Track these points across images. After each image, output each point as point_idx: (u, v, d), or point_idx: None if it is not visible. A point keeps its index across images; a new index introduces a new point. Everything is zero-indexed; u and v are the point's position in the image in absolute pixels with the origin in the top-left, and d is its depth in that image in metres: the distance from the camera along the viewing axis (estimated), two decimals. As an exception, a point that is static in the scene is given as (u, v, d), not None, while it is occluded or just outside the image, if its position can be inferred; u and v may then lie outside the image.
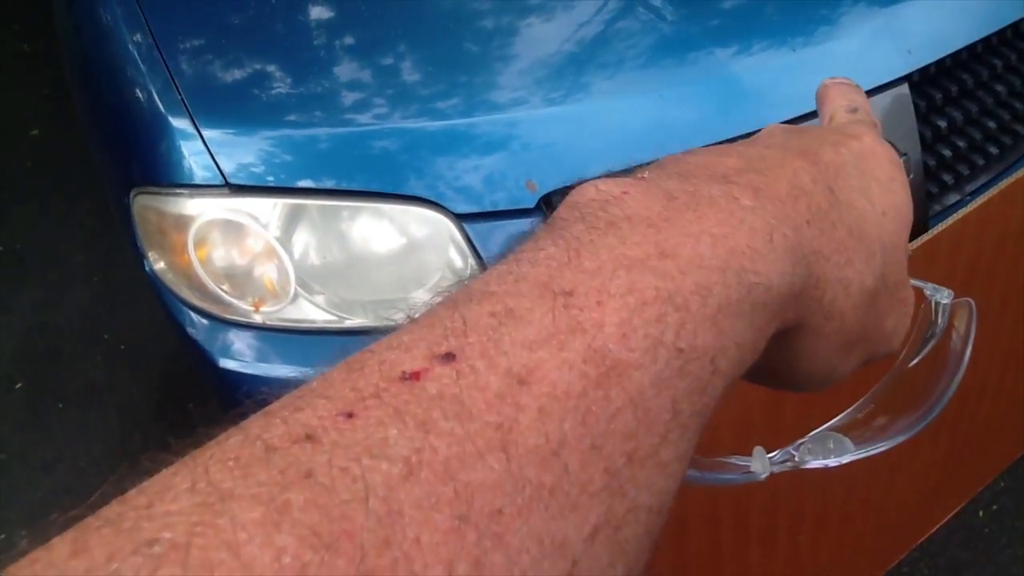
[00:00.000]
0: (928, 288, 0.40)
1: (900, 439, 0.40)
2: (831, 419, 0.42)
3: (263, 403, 0.22)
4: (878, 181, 0.34)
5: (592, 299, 0.24)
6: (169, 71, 1.16)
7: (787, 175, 0.31)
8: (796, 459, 0.40)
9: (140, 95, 1.18)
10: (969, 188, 1.22)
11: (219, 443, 0.20)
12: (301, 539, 0.18)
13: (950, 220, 0.98)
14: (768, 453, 0.40)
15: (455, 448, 0.20)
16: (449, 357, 0.22)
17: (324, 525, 0.18)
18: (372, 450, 0.20)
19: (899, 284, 0.35)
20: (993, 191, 1.02)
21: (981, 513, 1.65)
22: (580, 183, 0.29)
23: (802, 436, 0.41)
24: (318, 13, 1.28)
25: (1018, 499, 1.65)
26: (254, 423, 0.21)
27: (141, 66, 1.19)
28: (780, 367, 0.33)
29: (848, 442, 0.40)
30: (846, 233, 0.31)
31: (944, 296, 0.40)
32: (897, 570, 1.50)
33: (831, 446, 0.40)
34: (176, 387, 1.99)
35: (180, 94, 1.13)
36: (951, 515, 1.47)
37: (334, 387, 0.22)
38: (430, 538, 0.19)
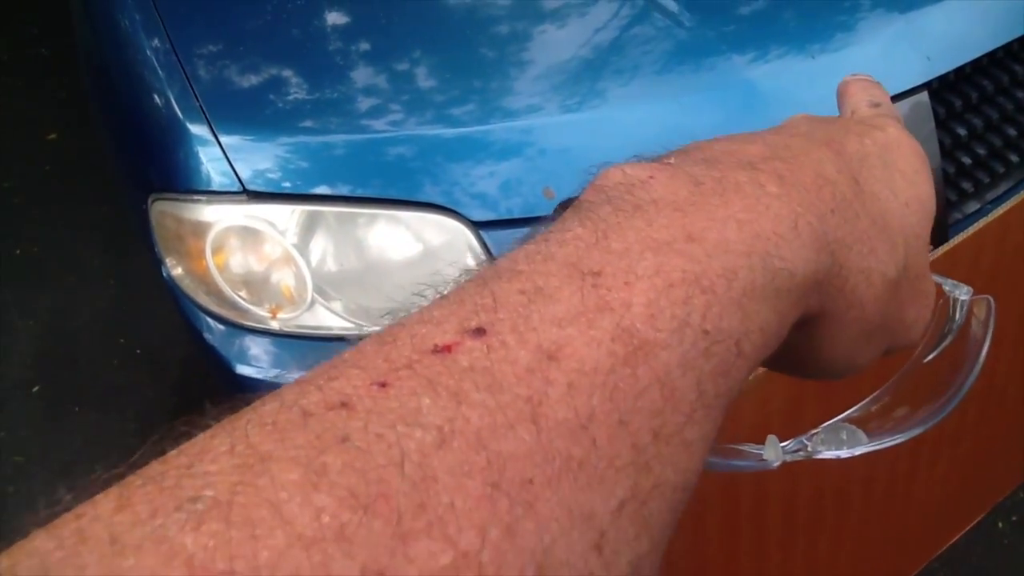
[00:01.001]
0: (947, 284, 0.40)
1: (914, 433, 0.39)
2: (845, 411, 0.42)
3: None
4: (902, 172, 0.34)
5: (620, 279, 0.24)
6: (187, 77, 1.17)
7: (812, 164, 0.31)
8: (809, 449, 0.40)
9: (158, 101, 1.18)
10: (989, 196, 1.21)
11: (255, 409, 0.21)
12: (339, 500, 0.18)
13: (970, 229, 0.97)
14: (781, 442, 0.40)
15: (487, 419, 0.21)
16: (480, 332, 0.23)
17: (361, 487, 0.18)
18: (406, 418, 0.20)
19: (920, 276, 0.35)
20: (1014, 199, 1.01)
21: (1001, 524, 1.63)
22: (606, 166, 0.30)
23: (816, 427, 0.40)
24: (334, 19, 1.28)
25: (1038, 509, 1.64)
26: (289, 390, 0.21)
27: (159, 72, 1.20)
28: (801, 355, 0.33)
29: (861, 434, 0.40)
30: (869, 223, 0.31)
31: (963, 293, 0.40)
32: (916, 579, 1.49)
33: (844, 437, 0.40)
34: (192, 392, 2.00)
35: (198, 100, 1.14)
36: (971, 526, 1.46)
37: (367, 358, 0.22)
38: (463, 503, 0.19)
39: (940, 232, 1.14)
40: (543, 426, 0.21)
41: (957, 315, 0.40)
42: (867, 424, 0.41)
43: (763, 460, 0.39)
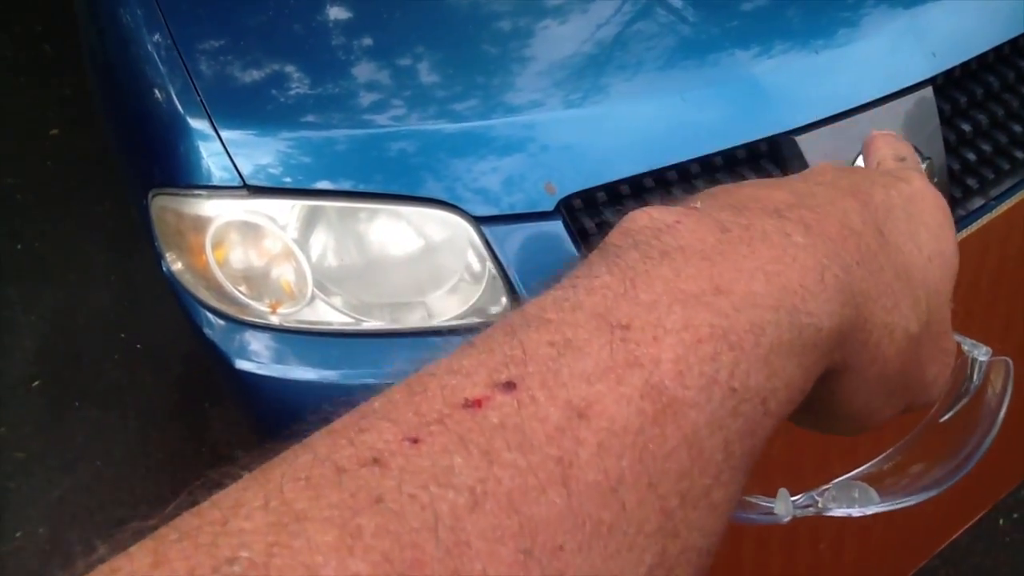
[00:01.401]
0: (967, 343, 0.40)
1: (928, 495, 0.39)
2: (854, 467, 0.41)
3: (325, 420, 0.23)
4: (926, 226, 0.34)
5: (649, 334, 0.24)
6: (188, 72, 1.16)
7: (837, 214, 0.31)
8: (819, 505, 0.40)
9: (159, 96, 1.18)
10: (994, 192, 1.20)
11: (287, 461, 0.21)
12: (374, 565, 0.18)
13: (975, 225, 0.97)
14: (792, 496, 0.40)
15: (518, 480, 0.20)
16: (510, 386, 0.22)
17: (396, 552, 0.18)
18: (439, 478, 0.20)
19: (942, 333, 0.35)
20: (1018, 195, 1.01)
21: (1002, 521, 1.63)
22: (632, 210, 0.30)
23: (824, 482, 0.40)
24: (336, 14, 1.28)
25: (1041, 507, 1.63)
26: (321, 442, 0.21)
27: (160, 67, 1.19)
28: (820, 408, 0.33)
29: (873, 493, 0.40)
30: (893, 276, 0.31)
31: (982, 353, 0.40)
32: (918, 578, 1.48)
33: (856, 495, 0.40)
34: (194, 387, 2.00)
35: (199, 95, 1.14)
36: (972, 522, 1.45)
37: (397, 410, 0.22)
38: (496, 571, 0.19)
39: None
40: (574, 489, 0.21)
41: (975, 376, 0.40)
42: (880, 482, 0.41)
43: (773, 514, 0.39)
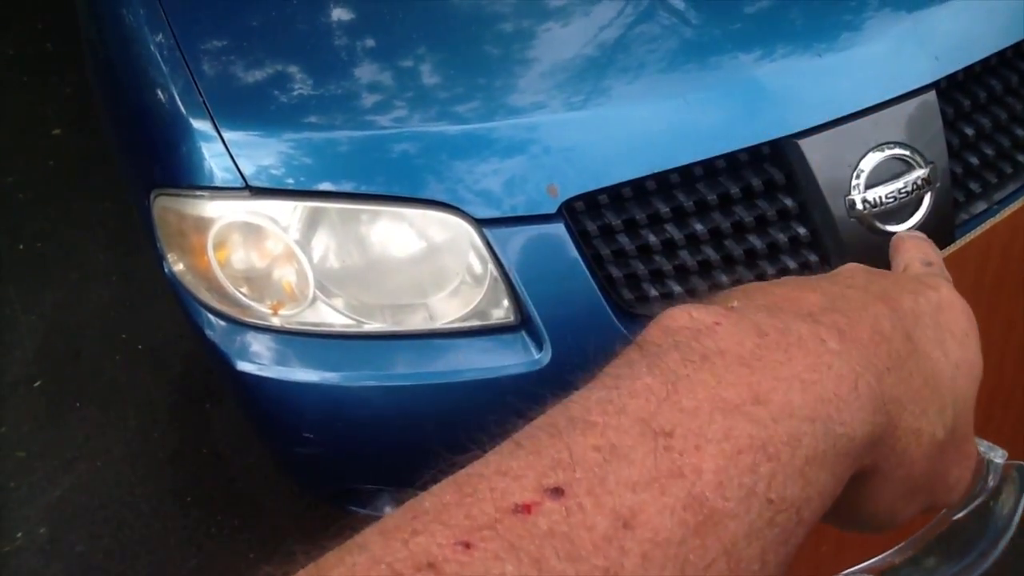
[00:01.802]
0: (983, 445, 0.40)
1: None
2: (866, 557, 0.42)
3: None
4: (953, 334, 0.35)
5: (691, 443, 0.25)
6: (191, 73, 1.16)
7: (869, 319, 0.31)
8: None
9: (161, 96, 1.18)
10: (997, 196, 1.20)
11: (344, 563, 0.22)
12: None
13: (978, 230, 0.97)
14: None
15: None
16: (558, 492, 0.23)
17: None
18: None
19: (965, 438, 0.36)
20: (1022, 199, 1.00)
21: (1005, 525, 1.62)
22: (671, 308, 0.30)
23: (837, 571, 0.40)
24: (338, 16, 1.27)
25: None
26: (375, 543, 0.22)
27: (163, 67, 1.19)
28: (845, 507, 0.33)
29: None
30: (922, 382, 0.32)
31: (997, 455, 0.40)
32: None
33: None
34: (194, 387, 2.00)
35: (201, 96, 1.13)
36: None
37: (449, 512, 0.23)
38: None
39: (948, 233, 1.13)
40: None
41: (990, 477, 0.40)
42: (892, 574, 0.41)
43: None
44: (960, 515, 0.41)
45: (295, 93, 1.15)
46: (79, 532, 1.74)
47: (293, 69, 1.19)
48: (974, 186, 1.18)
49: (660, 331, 0.30)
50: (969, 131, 1.18)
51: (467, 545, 0.21)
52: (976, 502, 0.40)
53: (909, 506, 0.35)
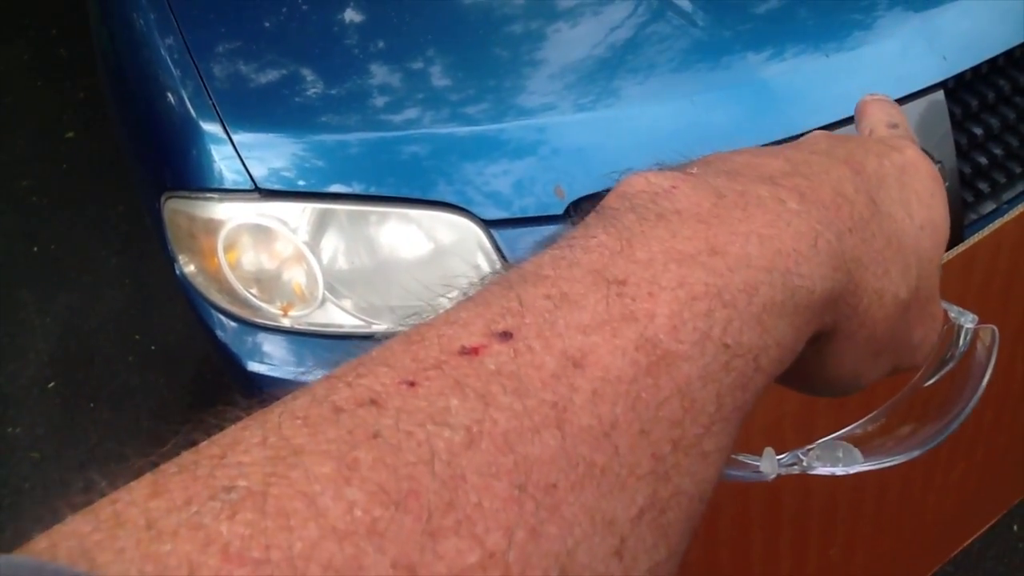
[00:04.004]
0: (953, 311, 0.40)
1: (911, 455, 0.39)
2: (837, 429, 0.42)
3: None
4: (918, 195, 0.35)
5: (644, 289, 0.25)
6: (200, 76, 1.17)
7: (831, 182, 0.31)
8: (804, 464, 0.40)
9: (172, 99, 1.19)
10: (1006, 196, 1.20)
11: (286, 403, 0.21)
12: (371, 495, 0.18)
13: (987, 230, 0.96)
14: (778, 455, 0.40)
15: (513, 422, 0.21)
16: (507, 335, 0.23)
17: (392, 483, 0.19)
18: (435, 417, 0.20)
19: (929, 299, 0.36)
20: (1031, 199, 1.00)
21: (1016, 527, 1.62)
22: (629, 172, 0.30)
23: (807, 443, 0.41)
24: (348, 18, 1.28)
25: (1055, 513, 1.62)
26: (319, 386, 0.22)
27: (173, 71, 1.20)
28: (809, 370, 0.34)
29: (857, 452, 0.40)
30: (884, 243, 0.32)
31: (968, 320, 0.40)
32: (930, 584, 1.48)
33: (840, 455, 0.40)
34: (206, 389, 2.01)
35: (211, 99, 1.14)
36: (985, 529, 1.45)
37: (395, 356, 0.23)
38: (491, 504, 0.19)
39: (956, 233, 1.13)
40: (568, 432, 0.21)
41: (960, 342, 0.40)
42: (865, 443, 0.41)
43: (759, 472, 0.40)
44: (932, 381, 0.41)
45: (304, 95, 1.16)
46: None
47: (302, 72, 1.20)
48: (982, 186, 1.18)
49: (616, 196, 0.29)
50: (977, 131, 1.18)
51: (412, 383, 0.21)
52: (947, 367, 0.40)
53: (874, 368, 0.35)
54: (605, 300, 0.24)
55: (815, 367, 0.33)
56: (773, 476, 0.39)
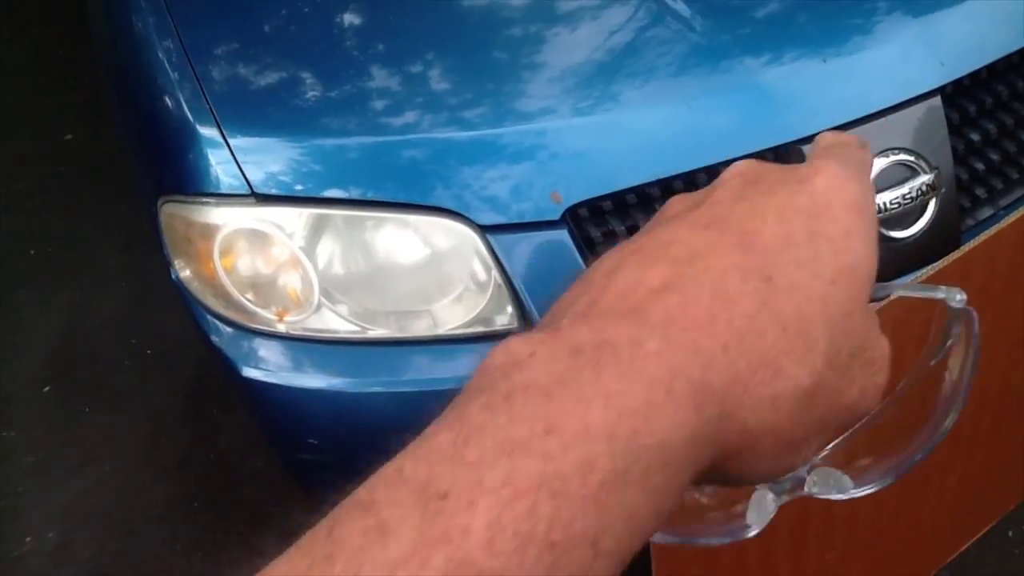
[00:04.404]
0: (940, 292, 0.37)
1: (900, 473, 0.38)
2: None
3: None
4: (830, 241, 0.31)
5: (464, 500, 0.23)
6: (198, 80, 1.17)
7: (711, 283, 0.29)
8: (805, 491, 0.38)
9: (169, 103, 1.19)
10: (1003, 202, 1.19)
11: None
12: None
13: (984, 235, 0.96)
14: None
15: None
16: None
17: None
18: None
19: (859, 349, 0.32)
20: (1028, 206, 1.00)
21: (1011, 533, 1.62)
22: (506, 340, 0.28)
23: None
24: (346, 23, 1.28)
25: (1052, 519, 1.62)
26: None
27: (171, 75, 1.20)
28: (731, 481, 0.31)
29: (847, 480, 0.38)
30: (779, 332, 0.29)
31: (956, 300, 0.37)
32: (927, 589, 1.47)
33: (832, 483, 0.38)
34: (204, 393, 2.01)
35: (208, 103, 1.14)
36: (980, 534, 1.44)
37: None
38: None
39: (953, 239, 1.12)
40: None
41: (956, 318, 0.38)
42: (851, 461, 0.39)
43: (746, 526, 0.37)
44: (936, 360, 0.39)
45: (301, 100, 1.16)
46: (88, 537, 1.75)
47: (299, 76, 1.19)
48: (980, 192, 1.18)
49: (479, 373, 0.28)
50: (975, 136, 1.18)
51: None
52: (949, 341, 0.38)
53: (802, 452, 0.32)
54: (420, 524, 0.23)
55: (738, 478, 0.31)
56: (756, 532, 0.36)
